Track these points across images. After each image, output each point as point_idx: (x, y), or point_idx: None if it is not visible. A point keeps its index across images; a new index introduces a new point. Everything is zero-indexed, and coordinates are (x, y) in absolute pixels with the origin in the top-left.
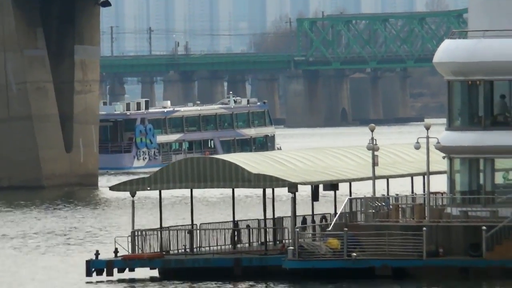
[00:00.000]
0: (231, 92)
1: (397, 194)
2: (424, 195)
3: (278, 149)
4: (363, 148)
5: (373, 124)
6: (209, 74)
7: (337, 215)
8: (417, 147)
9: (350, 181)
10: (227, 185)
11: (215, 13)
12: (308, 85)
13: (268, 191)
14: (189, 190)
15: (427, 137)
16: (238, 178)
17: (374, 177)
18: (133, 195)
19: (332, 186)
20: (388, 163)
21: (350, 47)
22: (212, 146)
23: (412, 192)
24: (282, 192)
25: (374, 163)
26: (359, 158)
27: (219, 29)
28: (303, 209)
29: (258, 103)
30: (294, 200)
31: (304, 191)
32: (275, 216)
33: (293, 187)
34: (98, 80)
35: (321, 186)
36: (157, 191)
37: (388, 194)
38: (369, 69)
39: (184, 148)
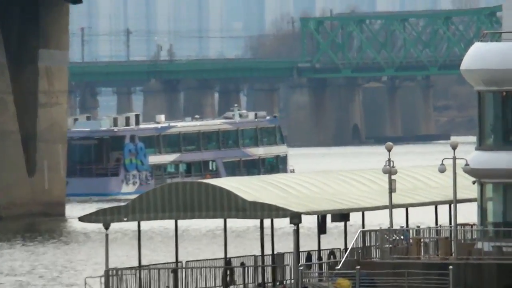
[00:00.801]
0: (236, 105)
1: (418, 226)
2: (451, 227)
3: (291, 171)
4: (378, 171)
5: (390, 143)
6: (197, 83)
7: (348, 251)
8: (442, 170)
9: (363, 210)
10: (218, 215)
11: (204, 12)
12: (314, 96)
13: (267, 222)
14: (173, 221)
15: (454, 158)
16: (231, 206)
17: (391, 206)
18: (106, 227)
19: (342, 216)
20: (407, 189)
21: (363, 51)
22: (214, 168)
23: (436, 223)
24: (283, 224)
25: (391, 189)
26: (373, 183)
27: (209, 30)
28: (307, 244)
29: (268, 118)
30: (297, 232)
31: (309, 222)
32: (275, 252)
33: (296, 218)
34: (67, 91)
35: (329, 217)
36: (136, 223)
37: (407, 226)
38: (386, 77)
39: (181, 171)
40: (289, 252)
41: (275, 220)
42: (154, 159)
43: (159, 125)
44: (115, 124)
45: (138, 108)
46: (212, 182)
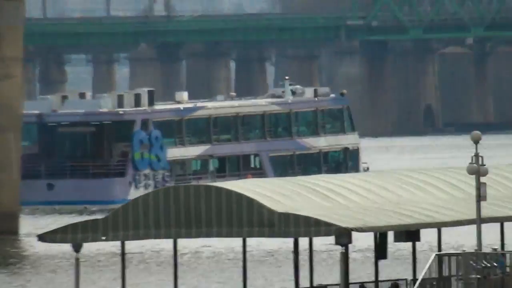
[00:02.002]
0: (287, 78)
1: None
2: None
3: (365, 170)
4: (461, 171)
5: (478, 132)
6: (205, 48)
7: (418, 283)
8: None
9: (439, 226)
10: (235, 232)
11: None
12: (370, 66)
13: (303, 242)
14: (171, 240)
15: None
16: (253, 220)
17: (480, 220)
18: (77, 249)
19: (409, 234)
20: (503, 196)
21: (439, 3)
22: (258, 165)
23: None
24: (326, 244)
25: (480, 197)
26: (454, 188)
27: None
28: (361, 272)
29: (333, 95)
30: (345, 257)
31: (363, 243)
32: (314, 284)
33: (344, 236)
34: (21, 59)
35: (390, 235)
36: (118, 243)
37: (503, 248)
38: (472, 39)
39: (212, 169)
40: (334, 285)
41: (315, 239)
42: (175, 152)
43: (181, 106)
44: (120, 104)
45: (123, 82)
46: (226, 186)
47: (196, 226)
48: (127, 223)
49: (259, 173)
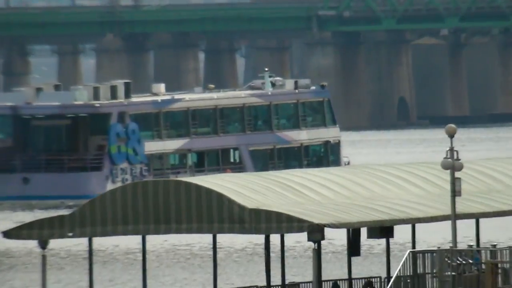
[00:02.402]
0: (266, 69)
1: (494, 245)
2: None
3: (346, 164)
4: (435, 166)
5: (452, 125)
6: (173, 39)
7: (392, 281)
8: None
9: (413, 222)
10: (205, 228)
11: None
12: (342, 58)
13: (274, 238)
14: (140, 237)
15: None
16: (222, 217)
17: (455, 216)
18: (43, 245)
19: (383, 230)
20: (478, 191)
21: None
22: (237, 159)
23: None
24: (298, 241)
25: (455, 192)
26: (428, 182)
27: None
28: (334, 270)
29: (313, 88)
30: (318, 254)
31: (336, 239)
32: (286, 282)
33: (316, 232)
34: None
35: (364, 231)
36: (86, 239)
37: (478, 244)
38: (446, 30)
39: (190, 163)
40: (306, 282)
41: (286, 235)
42: (152, 146)
43: (158, 98)
44: (96, 97)
45: (89, 73)
46: (196, 181)
47: (165, 222)
48: (94, 219)
49: (239, 167)
